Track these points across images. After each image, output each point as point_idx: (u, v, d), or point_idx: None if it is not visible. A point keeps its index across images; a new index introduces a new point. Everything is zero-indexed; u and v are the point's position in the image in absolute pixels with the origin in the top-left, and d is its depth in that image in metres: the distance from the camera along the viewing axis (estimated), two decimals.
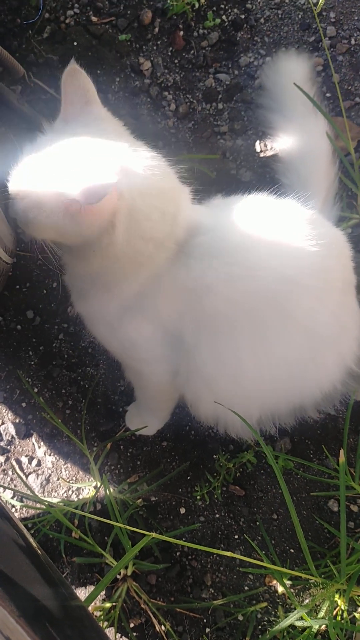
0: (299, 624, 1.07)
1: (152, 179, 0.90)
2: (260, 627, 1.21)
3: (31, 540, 0.66)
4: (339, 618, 1.12)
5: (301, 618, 1.05)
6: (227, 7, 1.62)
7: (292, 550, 1.25)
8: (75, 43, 1.62)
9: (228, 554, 0.89)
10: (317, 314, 0.98)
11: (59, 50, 1.62)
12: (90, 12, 1.64)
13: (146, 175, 0.89)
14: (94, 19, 1.64)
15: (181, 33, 1.61)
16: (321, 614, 1.08)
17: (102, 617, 1.18)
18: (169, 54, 1.61)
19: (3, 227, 1.31)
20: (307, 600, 1.16)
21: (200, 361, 1.02)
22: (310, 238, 0.97)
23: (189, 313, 0.99)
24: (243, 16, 1.62)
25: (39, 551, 0.66)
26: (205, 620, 1.22)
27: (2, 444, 1.38)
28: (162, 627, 1.20)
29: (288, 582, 1.16)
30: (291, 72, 1.35)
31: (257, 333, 0.99)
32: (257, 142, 1.52)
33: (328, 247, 0.98)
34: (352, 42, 1.58)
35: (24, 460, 1.38)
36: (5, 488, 1.34)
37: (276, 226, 1.00)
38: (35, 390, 1.40)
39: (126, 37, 1.62)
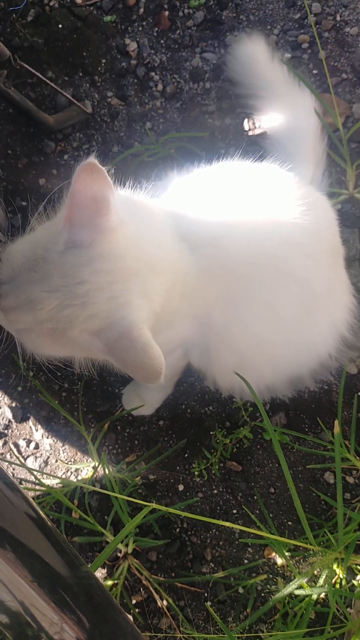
0: (298, 592, 1.09)
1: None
2: (260, 599, 1.23)
3: (40, 512, 0.68)
4: (337, 586, 1.14)
5: (301, 587, 1.07)
6: None
7: (289, 523, 1.27)
8: (60, 26, 1.61)
9: (227, 524, 0.90)
10: (310, 271, 1.00)
11: (44, 33, 1.61)
12: None
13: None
14: (78, 1, 1.63)
15: (166, 13, 1.61)
16: (320, 582, 1.10)
17: None
18: (155, 34, 1.60)
19: None
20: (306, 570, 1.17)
21: (229, 336, 1.03)
22: (297, 199, 0.99)
23: (215, 297, 1.00)
24: None
25: (49, 522, 0.67)
26: (206, 594, 1.24)
27: None
28: (164, 602, 1.21)
29: (287, 554, 1.18)
30: (254, 55, 1.36)
31: (270, 299, 1.01)
32: (245, 120, 1.52)
33: (315, 209, 1.00)
34: (338, 18, 1.57)
35: (22, 443, 1.38)
36: (9, 463, 1.34)
37: (260, 189, 1.02)
38: (31, 373, 1.40)
39: (111, 18, 1.61)
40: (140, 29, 1.61)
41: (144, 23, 1.61)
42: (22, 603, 0.50)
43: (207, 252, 0.95)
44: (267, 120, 1.42)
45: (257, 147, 1.42)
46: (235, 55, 1.40)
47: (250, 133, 1.52)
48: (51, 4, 1.63)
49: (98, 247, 0.79)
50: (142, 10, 1.61)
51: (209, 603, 1.23)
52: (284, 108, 1.36)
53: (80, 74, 1.59)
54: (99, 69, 1.59)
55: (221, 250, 0.96)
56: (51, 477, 1.32)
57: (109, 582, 1.21)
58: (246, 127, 1.52)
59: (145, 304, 0.83)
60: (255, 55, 1.36)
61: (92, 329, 0.79)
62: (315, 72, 1.54)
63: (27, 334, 0.84)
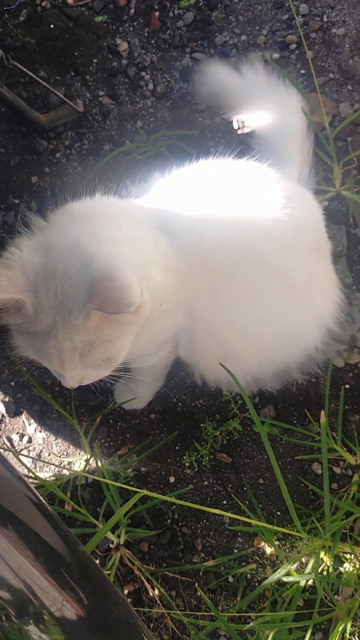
0: (287, 579, 1.12)
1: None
2: (249, 587, 1.25)
3: (40, 497, 0.70)
4: (324, 574, 1.16)
5: (289, 574, 1.10)
6: None
7: (278, 513, 1.30)
8: (52, 26, 1.63)
9: (217, 511, 0.92)
10: (290, 264, 1.03)
11: (36, 33, 1.63)
12: None
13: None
14: (70, 1, 1.65)
15: (157, 14, 1.63)
16: (307, 570, 1.13)
17: None
18: (146, 34, 1.63)
19: None
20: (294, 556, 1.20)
21: (213, 326, 1.07)
22: (276, 193, 1.02)
23: (200, 286, 1.03)
24: None
25: (48, 507, 0.70)
26: (197, 584, 1.26)
27: None
28: (156, 591, 1.24)
29: (276, 543, 1.21)
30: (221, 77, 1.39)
31: (251, 287, 1.04)
32: (235, 119, 1.55)
33: (296, 203, 1.03)
34: (325, 19, 1.60)
35: (15, 437, 1.40)
36: (6, 450, 1.36)
37: (239, 185, 1.06)
38: (24, 368, 1.42)
39: (102, 18, 1.63)
40: (131, 29, 1.63)
41: (135, 23, 1.64)
42: (24, 581, 0.52)
43: (185, 239, 0.98)
44: (255, 119, 1.45)
45: (246, 145, 1.45)
46: (204, 83, 1.42)
47: (239, 132, 1.54)
48: (43, 4, 1.65)
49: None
50: (132, 10, 1.64)
51: (200, 591, 1.26)
52: (272, 108, 1.39)
53: (72, 74, 1.61)
54: (91, 68, 1.61)
55: (200, 241, 0.99)
56: (46, 464, 1.34)
57: None
58: (235, 126, 1.55)
59: (106, 248, 0.86)
60: (222, 76, 1.38)
61: (90, 308, 0.81)
62: (302, 72, 1.57)
63: (90, 361, 0.89)
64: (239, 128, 1.55)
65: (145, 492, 0.87)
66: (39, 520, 0.62)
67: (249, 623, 1.19)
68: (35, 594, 0.52)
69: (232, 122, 1.55)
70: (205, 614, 1.18)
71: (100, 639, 0.55)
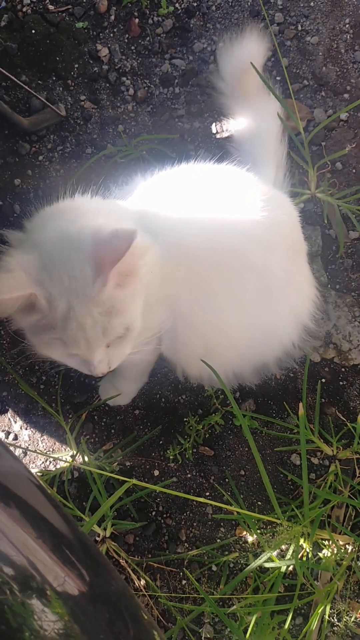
0: (268, 565, 1.16)
1: None
2: (232, 576, 1.30)
3: (40, 480, 0.74)
4: (304, 559, 1.22)
5: (270, 560, 1.15)
6: None
7: (259, 503, 1.35)
8: (33, 31, 1.66)
9: (201, 499, 0.97)
10: (267, 262, 1.08)
11: (17, 38, 1.65)
12: (46, 0, 1.68)
13: None
14: (51, 7, 1.68)
15: (136, 20, 1.67)
16: (288, 556, 1.18)
17: None
18: (126, 40, 1.67)
19: None
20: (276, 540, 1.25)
21: (195, 321, 1.11)
22: (254, 196, 1.07)
23: (182, 284, 1.07)
24: (195, 4, 1.69)
25: (48, 488, 0.73)
26: (181, 574, 1.31)
27: None
28: (142, 581, 1.27)
29: (257, 531, 1.26)
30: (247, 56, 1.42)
31: (230, 285, 1.09)
32: (214, 124, 1.60)
33: (273, 205, 1.08)
34: (299, 27, 1.66)
35: (1, 435, 1.43)
36: None
37: (219, 188, 1.11)
38: (9, 366, 1.45)
39: (83, 24, 1.67)
40: (111, 35, 1.67)
41: (115, 30, 1.67)
42: (27, 557, 0.56)
43: (167, 239, 1.03)
44: (233, 124, 1.50)
45: (225, 150, 1.50)
46: (233, 50, 1.43)
47: (218, 136, 1.59)
48: (24, 9, 1.67)
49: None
50: (113, 17, 1.68)
51: (184, 582, 1.30)
52: (250, 112, 1.44)
53: (54, 78, 1.64)
54: (72, 73, 1.64)
55: (181, 241, 1.04)
56: (32, 460, 1.37)
57: None
58: (214, 130, 1.60)
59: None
60: (250, 56, 1.39)
61: (106, 273, 0.85)
62: (278, 78, 1.63)
63: (112, 333, 0.93)
64: (217, 132, 1.60)
65: (134, 481, 0.91)
66: (40, 500, 0.65)
67: (232, 600, 1.24)
68: (37, 569, 0.56)
69: (210, 126, 1.60)
70: (190, 595, 1.22)
71: (101, 610, 0.59)
